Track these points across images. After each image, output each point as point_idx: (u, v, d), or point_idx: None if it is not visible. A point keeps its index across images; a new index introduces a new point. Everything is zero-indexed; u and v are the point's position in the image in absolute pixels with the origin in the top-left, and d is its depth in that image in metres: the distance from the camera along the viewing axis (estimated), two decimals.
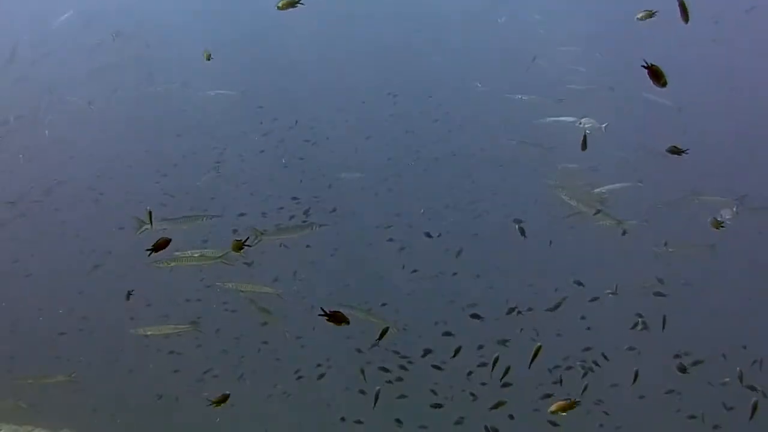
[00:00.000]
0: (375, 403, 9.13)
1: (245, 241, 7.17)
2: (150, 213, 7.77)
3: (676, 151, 7.35)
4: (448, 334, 10.87)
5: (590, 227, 11.39)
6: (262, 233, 9.06)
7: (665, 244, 11.44)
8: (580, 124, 11.85)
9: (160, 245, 6.37)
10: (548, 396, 9.99)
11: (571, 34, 18.64)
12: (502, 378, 9.33)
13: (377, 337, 7.78)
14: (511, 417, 10.17)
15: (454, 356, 9.87)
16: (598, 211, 10.91)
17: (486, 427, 9.69)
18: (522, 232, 10.62)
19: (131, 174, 15.96)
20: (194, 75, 17.75)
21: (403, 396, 10.81)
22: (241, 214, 13.00)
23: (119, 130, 17.55)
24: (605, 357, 10.45)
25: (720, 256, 12.23)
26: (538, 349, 8.13)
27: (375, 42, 22.83)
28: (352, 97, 19.06)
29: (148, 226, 8.17)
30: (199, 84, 17.38)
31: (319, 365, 11.96)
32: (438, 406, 10.16)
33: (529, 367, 8.33)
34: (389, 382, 10.70)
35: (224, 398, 7.33)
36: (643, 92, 15.40)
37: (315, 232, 9.48)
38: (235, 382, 12.43)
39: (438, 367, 10.51)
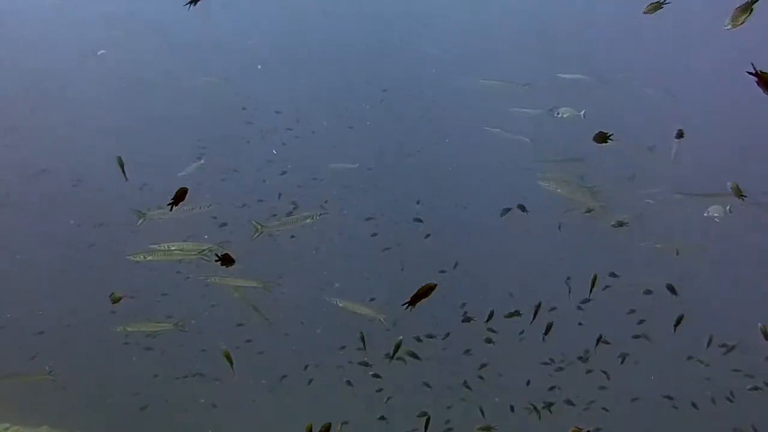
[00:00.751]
0: (394, 355, 8.78)
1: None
2: (122, 164, 7.79)
3: (682, 134, 7.22)
4: (430, 336, 10.75)
5: (584, 222, 11.20)
6: (261, 226, 8.82)
7: (677, 251, 11.26)
8: (558, 114, 11.58)
9: (180, 196, 6.08)
10: (551, 404, 9.95)
11: (565, 25, 18.49)
12: (544, 336, 9.24)
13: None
14: (512, 409, 10.37)
15: (488, 320, 9.89)
16: (589, 210, 10.77)
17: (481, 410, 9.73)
18: (523, 208, 10.52)
19: (112, 163, 15.56)
20: (178, 62, 17.44)
21: (390, 398, 10.63)
22: (240, 206, 12.80)
23: (102, 117, 17.16)
24: (607, 342, 10.29)
25: (717, 252, 12.11)
26: (595, 278, 8.17)
27: (365, 34, 22.51)
28: (339, 91, 18.79)
29: (146, 218, 8.37)
30: (182, 71, 17.03)
31: (306, 367, 11.74)
32: (425, 414, 10.01)
33: (589, 295, 8.33)
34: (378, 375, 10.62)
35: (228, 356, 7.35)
36: (635, 83, 15.25)
37: (315, 221, 9.20)
38: (220, 383, 12.24)
39: (415, 356, 10.31)
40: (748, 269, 14.29)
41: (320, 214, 9.29)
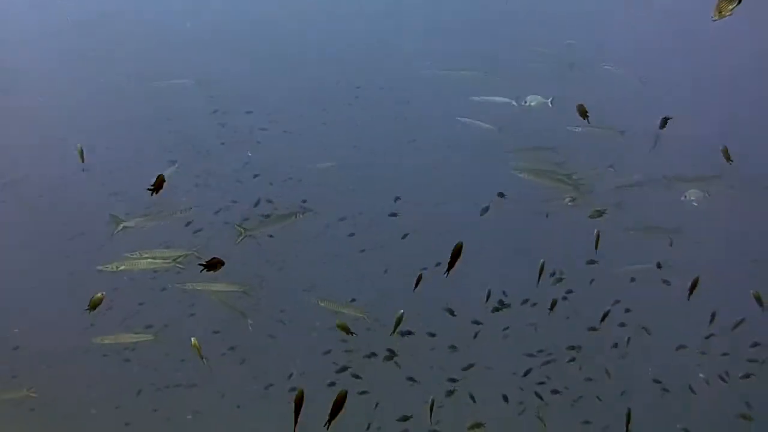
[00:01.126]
0: (395, 330, 8.57)
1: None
2: (81, 151, 7.92)
3: (665, 123, 7.23)
4: (408, 333, 10.63)
5: (565, 211, 11.12)
6: (245, 229, 8.63)
7: (671, 243, 11.29)
8: (525, 102, 11.49)
9: (159, 184, 6.26)
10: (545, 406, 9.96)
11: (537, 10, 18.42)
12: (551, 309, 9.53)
13: None
14: (505, 399, 10.44)
15: (487, 300, 9.89)
16: (573, 199, 10.73)
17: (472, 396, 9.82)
18: (501, 195, 10.51)
19: (84, 169, 15.24)
20: (148, 65, 17.12)
21: (377, 403, 10.52)
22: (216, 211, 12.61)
23: (72, 123, 16.77)
24: (594, 326, 10.30)
25: (698, 237, 12.12)
26: (598, 235, 8.42)
27: (339, 33, 22.26)
28: (313, 90, 18.55)
29: (124, 225, 8.32)
30: (152, 74, 16.68)
31: (291, 375, 11.57)
32: (406, 418, 9.93)
33: (595, 251, 8.52)
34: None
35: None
36: (607, 69, 15.18)
37: (298, 220, 9.05)
38: (204, 392, 12.06)
39: (390, 355, 10.30)
40: (732, 255, 14.28)
41: (304, 212, 9.14)
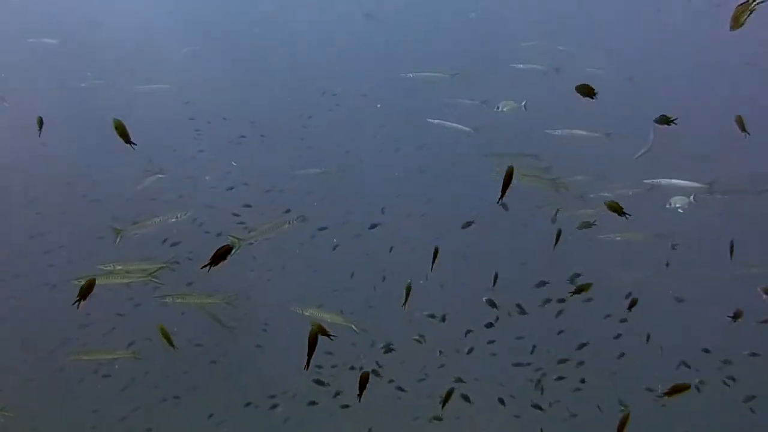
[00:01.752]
0: (406, 301, 8.29)
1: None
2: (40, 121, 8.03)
3: (665, 120, 6.99)
4: (389, 350, 10.43)
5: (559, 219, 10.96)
6: (241, 240, 8.37)
7: (674, 245, 11.16)
8: (498, 108, 11.36)
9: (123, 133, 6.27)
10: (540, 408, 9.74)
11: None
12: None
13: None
14: (502, 401, 10.53)
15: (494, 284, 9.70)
16: (557, 211, 10.68)
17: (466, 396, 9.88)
18: (505, 207, 10.35)
19: (64, 177, 14.93)
20: (123, 70, 16.84)
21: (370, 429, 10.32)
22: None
23: (45, 129, 16.40)
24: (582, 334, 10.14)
25: (688, 243, 12.00)
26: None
27: (315, 38, 22.10)
28: (293, 96, 18.35)
29: (122, 236, 8.31)
30: (127, 79, 16.40)
31: (272, 396, 11.29)
32: None
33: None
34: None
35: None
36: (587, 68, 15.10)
37: (292, 226, 8.96)
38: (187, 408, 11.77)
39: (376, 371, 10.17)
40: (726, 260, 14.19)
41: (296, 218, 9.01)
